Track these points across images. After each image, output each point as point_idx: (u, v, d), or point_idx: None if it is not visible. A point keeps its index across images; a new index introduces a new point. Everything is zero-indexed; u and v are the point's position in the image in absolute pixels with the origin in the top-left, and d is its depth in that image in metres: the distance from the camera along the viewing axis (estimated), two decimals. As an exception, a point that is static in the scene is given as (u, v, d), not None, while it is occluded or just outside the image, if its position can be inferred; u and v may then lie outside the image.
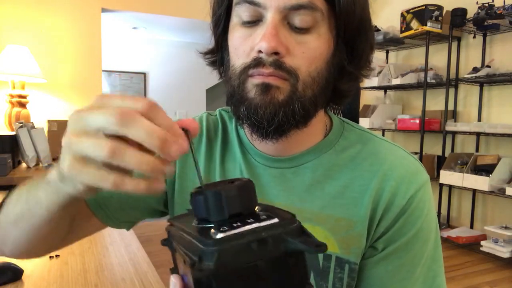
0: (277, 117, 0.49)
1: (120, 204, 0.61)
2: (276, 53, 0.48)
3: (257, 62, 0.49)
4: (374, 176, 0.56)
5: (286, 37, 0.48)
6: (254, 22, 0.50)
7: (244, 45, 0.50)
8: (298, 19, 0.48)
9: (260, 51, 0.48)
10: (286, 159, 0.58)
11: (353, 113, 0.93)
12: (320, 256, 0.56)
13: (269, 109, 0.49)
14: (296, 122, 0.51)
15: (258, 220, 0.29)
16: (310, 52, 0.49)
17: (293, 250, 0.28)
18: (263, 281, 0.28)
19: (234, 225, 0.29)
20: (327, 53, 0.51)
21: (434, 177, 3.45)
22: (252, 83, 0.50)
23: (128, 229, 0.68)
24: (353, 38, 0.53)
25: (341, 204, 0.56)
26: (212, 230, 0.29)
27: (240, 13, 0.50)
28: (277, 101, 0.49)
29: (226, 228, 0.29)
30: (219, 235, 0.28)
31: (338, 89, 0.56)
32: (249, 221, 0.29)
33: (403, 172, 0.56)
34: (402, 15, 3.61)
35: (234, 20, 0.52)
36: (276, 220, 0.29)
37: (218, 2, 0.55)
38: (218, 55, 0.58)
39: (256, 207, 0.32)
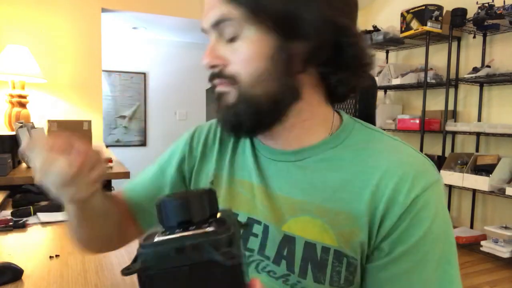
0: (230, 119, 0.57)
1: (150, 208, 0.66)
2: (215, 66, 0.56)
3: (210, 77, 0.58)
4: (377, 171, 0.55)
5: (223, 50, 0.55)
6: None
7: None
8: (225, 32, 0.54)
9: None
10: (291, 152, 0.60)
11: (368, 113, 0.91)
12: (319, 248, 0.56)
13: (221, 113, 0.58)
14: (258, 121, 0.56)
15: (198, 228, 0.32)
16: (243, 56, 0.54)
17: (210, 259, 0.30)
18: (190, 286, 0.31)
19: (176, 231, 0.32)
20: (267, 51, 0.53)
21: (434, 177, 3.44)
22: (215, 94, 0.59)
23: None
24: (288, 27, 0.52)
25: (342, 198, 0.56)
26: (156, 235, 0.33)
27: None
28: (227, 104, 0.57)
29: (168, 233, 0.32)
30: (156, 239, 0.32)
31: (333, 88, 0.57)
32: (190, 228, 0.32)
33: (409, 170, 0.55)
34: (402, 15, 3.61)
35: None
36: (211, 229, 0.31)
37: None
38: None
39: (218, 214, 0.36)
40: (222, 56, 0.55)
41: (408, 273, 0.54)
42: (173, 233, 0.32)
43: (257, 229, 0.61)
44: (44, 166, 0.49)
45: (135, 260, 0.32)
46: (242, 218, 0.62)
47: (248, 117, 0.55)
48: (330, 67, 0.56)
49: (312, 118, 0.59)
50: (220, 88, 0.57)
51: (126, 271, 0.31)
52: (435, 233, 0.54)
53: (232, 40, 0.54)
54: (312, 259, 0.56)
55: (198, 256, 0.30)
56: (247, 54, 0.54)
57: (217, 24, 0.54)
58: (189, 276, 0.31)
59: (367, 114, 0.89)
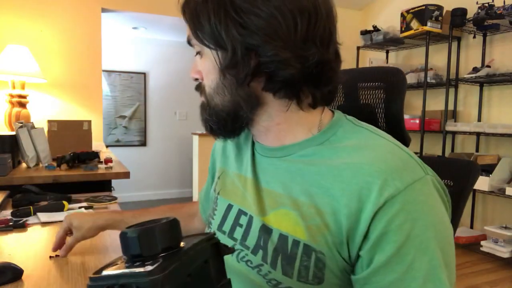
0: (204, 124, 0.66)
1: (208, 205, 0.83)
2: (196, 79, 0.67)
3: (196, 87, 0.68)
4: (349, 168, 0.54)
5: (199, 65, 0.65)
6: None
7: None
8: (195, 49, 0.64)
9: None
10: (278, 148, 0.65)
11: (396, 112, 0.77)
12: (290, 240, 0.57)
13: (201, 119, 0.66)
14: (223, 124, 0.63)
15: (141, 265, 0.33)
16: (204, 70, 0.64)
17: None
18: None
19: (125, 265, 0.35)
20: (217, 65, 0.60)
21: (434, 177, 3.45)
22: None
23: None
24: (217, 40, 0.58)
25: (315, 192, 0.57)
26: (109, 267, 0.36)
27: None
28: (202, 112, 0.66)
29: (116, 267, 0.35)
30: (103, 273, 0.35)
31: (290, 82, 0.58)
32: (135, 264, 0.34)
33: (383, 167, 0.52)
34: (402, 15, 3.61)
35: None
36: (149, 268, 0.33)
37: None
38: None
39: (182, 243, 0.37)
40: (199, 70, 0.65)
41: (395, 285, 0.49)
42: (122, 267, 0.34)
43: (243, 220, 0.65)
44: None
45: None
46: (235, 210, 0.67)
47: (213, 123, 0.64)
48: (272, 81, 0.59)
49: (286, 122, 0.63)
50: (200, 98, 0.66)
51: None
52: (420, 239, 0.49)
53: (199, 56, 0.64)
54: (283, 251, 0.57)
55: None
56: (205, 68, 0.63)
57: (189, 42, 0.64)
58: None
59: (397, 119, 0.76)
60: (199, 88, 0.66)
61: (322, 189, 0.56)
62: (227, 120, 0.62)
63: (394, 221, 0.49)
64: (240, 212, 0.66)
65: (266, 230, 0.60)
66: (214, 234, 0.41)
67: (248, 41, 0.56)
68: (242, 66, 0.57)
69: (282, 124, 0.63)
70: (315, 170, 0.58)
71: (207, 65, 0.62)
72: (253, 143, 0.71)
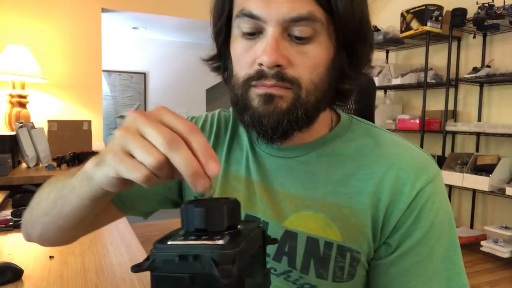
0: (281, 126, 0.51)
1: (137, 193, 0.65)
2: (277, 65, 0.49)
3: (260, 75, 0.50)
4: (380, 165, 0.55)
5: (287, 49, 0.50)
6: (255, 34, 0.51)
7: (246, 57, 0.52)
8: (298, 30, 0.49)
9: (261, 64, 0.50)
10: (291, 148, 0.59)
11: (368, 111, 0.92)
12: (321, 243, 0.55)
13: (272, 118, 0.51)
14: (300, 127, 0.53)
15: (210, 238, 0.33)
16: (311, 61, 0.51)
17: (210, 273, 0.31)
18: None
19: (190, 237, 0.33)
20: (327, 59, 0.52)
21: (434, 177, 3.45)
22: (255, 93, 0.52)
23: (145, 217, 0.72)
24: (352, 42, 0.53)
25: (345, 192, 0.56)
26: (173, 237, 0.34)
27: (241, 25, 0.52)
28: (280, 109, 0.51)
29: (180, 239, 0.33)
30: (168, 243, 0.33)
31: (340, 90, 0.57)
32: (202, 237, 0.33)
33: (412, 162, 0.55)
34: (402, 15, 3.61)
35: (235, 31, 0.53)
36: (220, 242, 0.32)
37: (218, 14, 0.56)
38: (221, 62, 0.60)
39: (239, 225, 0.36)
40: (286, 55, 0.50)
41: (417, 266, 0.54)
42: (187, 239, 0.33)
43: None
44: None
45: (147, 258, 0.33)
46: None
47: (297, 123, 0.52)
48: (344, 76, 0.56)
49: (318, 120, 0.57)
50: (272, 90, 0.51)
51: (136, 268, 0.33)
52: (441, 225, 0.54)
53: (303, 40, 0.50)
54: (315, 255, 0.56)
55: (199, 267, 0.31)
56: (316, 58, 0.51)
57: (298, 20, 0.48)
58: (190, 285, 0.31)
59: (366, 115, 0.90)
60: (280, 77, 0.50)
61: (353, 188, 0.56)
62: (309, 120, 0.53)
63: (422, 210, 0.53)
64: (250, 218, 0.60)
65: (289, 235, 0.57)
66: (260, 222, 0.41)
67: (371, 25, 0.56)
68: (349, 61, 0.55)
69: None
70: (342, 171, 0.57)
71: (317, 55, 0.51)
72: (250, 143, 0.64)
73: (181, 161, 0.35)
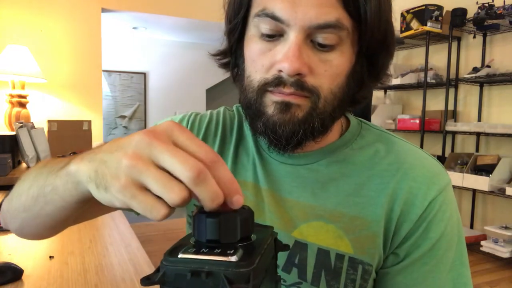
0: (296, 136, 0.49)
1: None
2: (300, 74, 0.47)
3: (278, 81, 0.48)
4: (393, 175, 0.54)
5: (309, 56, 0.47)
6: (274, 36, 0.48)
7: (263, 60, 0.49)
8: (322, 37, 0.46)
9: (281, 70, 0.47)
10: (301, 155, 0.57)
11: (365, 112, 0.92)
12: (333, 255, 0.54)
13: (288, 128, 0.49)
14: (314, 137, 0.51)
15: (223, 253, 0.31)
16: (333, 69, 0.48)
17: None
18: None
19: (201, 250, 0.31)
20: (349, 68, 0.50)
21: (434, 177, 3.45)
22: (271, 99, 0.49)
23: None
24: (375, 51, 0.52)
25: (357, 202, 0.54)
26: (183, 249, 0.32)
27: (260, 25, 0.48)
28: (297, 119, 0.49)
29: (192, 250, 0.31)
30: (179, 256, 0.31)
31: (355, 98, 0.55)
32: (214, 251, 0.31)
33: (425, 172, 0.54)
34: (402, 15, 3.61)
35: (252, 30, 0.50)
36: (233, 259, 0.30)
37: (235, 10, 0.52)
38: (231, 59, 0.57)
39: (252, 236, 0.34)
40: (308, 63, 0.47)
41: (424, 276, 0.53)
42: (199, 252, 0.31)
43: None
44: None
45: (157, 270, 0.31)
46: None
47: (312, 133, 0.50)
48: (362, 85, 0.55)
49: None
50: (290, 99, 0.48)
51: (146, 281, 0.31)
52: (450, 235, 0.54)
53: (326, 48, 0.47)
54: (326, 267, 0.54)
55: (212, 284, 0.30)
56: (338, 67, 0.48)
57: (324, 28, 0.46)
58: None
59: (363, 116, 0.91)
60: (300, 86, 0.47)
61: (365, 198, 0.54)
62: (324, 130, 0.52)
63: (433, 221, 0.53)
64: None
65: (299, 246, 0.55)
66: (273, 228, 0.39)
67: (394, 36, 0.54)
68: (369, 70, 0.53)
69: None
70: (353, 180, 0.55)
71: (339, 64, 0.48)
72: (257, 147, 0.61)
73: (207, 195, 0.31)
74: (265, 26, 0.48)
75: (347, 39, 0.48)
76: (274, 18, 0.46)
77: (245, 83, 0.52)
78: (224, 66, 0.59)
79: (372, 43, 0.50)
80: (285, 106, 0.48)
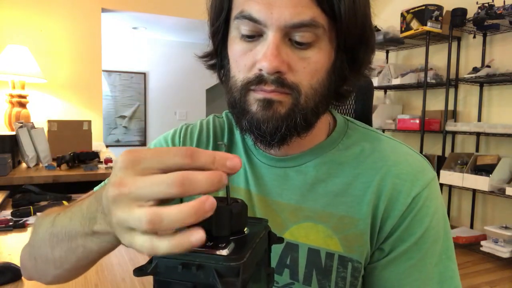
0: (279, 131, 0.50)
1: None
2: (277, 71, 0.48)
3: (259, 80, 0.49)
4: (377, 172, 0.55)
5: (288, 54, 0.49)
6: (254, 36, 0.50)
7: (244, 60, 0.51)
8: (299, 36, 0.48)
9: (261, 69, 0.49)
10: (289, 158, 0.59)
11: (366, 112, 0.93)
12: (323, 254, 0.55)
13: (271, 124, 0.50)
14: (298, 133, 0.53)
15: (214, 246, 0.31)
16: (312, 66, 0.50)
17: (213, 284, 0.30)
18: None
19: None
20: (328, 63, 0.52)
21: (434, 177, 3.45)
22: (254, 97, 0.51)
23: None
24: (354, 46, 0.53)
25: (344, 202, 0.55)
26: None
27: (240, 26, 0.50)
28: (279, 115, 0.50)
29: None
30: None
31: (339, 93, 0.57)
32: (206, 244, 0.31)
33: (408, 169, 0.55)
34: (402, 15, 3.61)
35: (234, 32, 0.52)
36: (224, 252, 0.30)
37: (216, 13, 0.54)
38: (217, 60, 0.59)
39: (245, 229, 0.35)
40: (286, 61, 0.49)
41: (410, 270, 0.54)
42: None
43: None
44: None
45: (150, 261, 0.32)
46: None
47: (296, 129, 0.51)
48: (344, 79, 0.55)
49: (317, 125, 0.56)
50: (272, 96, 0.50)
51: (138, 272, 0.32)
52: (435, 230, 0.54)
53: (304, 46, 0.49)
54: (317, 266, 0.55)
55: (202, 277, 0.30)
56: (317, 64, 0.50)
57: (300, 27, 0.47)
58: None
59: (364, 115, 0.92)
60: (280, 83, 0.49)
61: (352, 197, 0.55)
62: (307, 126, 0.53)
63: (417, 216, 0.54)
64: None
65: (290, 247, 0.57)
66: (267, 221, 0.39)
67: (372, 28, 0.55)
68: (350, 65, 0.54)
69: (316, 126, 0.56)
70: (341, 180, 0.56)
71: (317, 60, 0.50)
72: (246, 152, 0.62)
73: (203, 188, 0.30)
74: (245, 28, 0.50)
75: (324, 36, 0.49)
76: (252, 19, 0.48)
77: (230, 83, 0.54)
78: (212, 67, 0.61)
79: (350, 39, 0.51)
80: (267, 103, 0.50)
